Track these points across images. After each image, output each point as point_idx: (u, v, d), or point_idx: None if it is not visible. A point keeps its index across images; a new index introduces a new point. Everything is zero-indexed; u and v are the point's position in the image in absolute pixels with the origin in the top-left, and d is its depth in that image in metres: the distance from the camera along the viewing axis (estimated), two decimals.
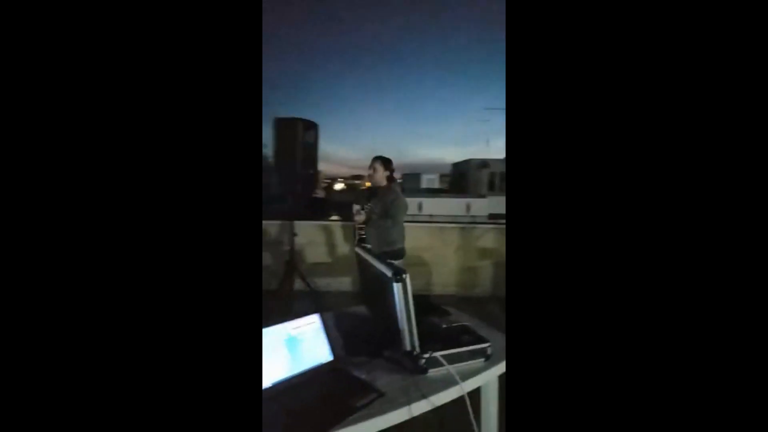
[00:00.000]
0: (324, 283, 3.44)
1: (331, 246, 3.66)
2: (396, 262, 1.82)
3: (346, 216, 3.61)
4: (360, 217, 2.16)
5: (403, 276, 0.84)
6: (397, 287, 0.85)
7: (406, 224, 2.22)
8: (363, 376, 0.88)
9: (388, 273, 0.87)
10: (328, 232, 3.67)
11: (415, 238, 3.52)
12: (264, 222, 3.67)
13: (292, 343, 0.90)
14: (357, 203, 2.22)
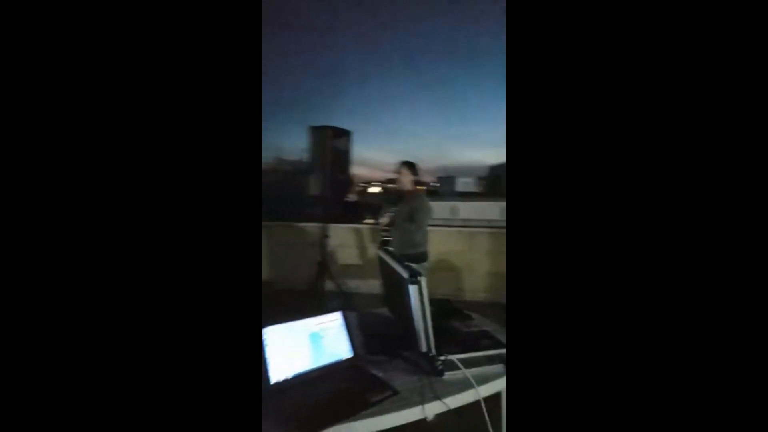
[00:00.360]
0: (354, 284, 3.51)
1: (361, 248, 3.74)
2: (419, 266, 1.82)
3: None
4: (384, 220, 2.21)
5: (419, 278, 0.86)
6: (412, 289, 0.87)
7: (436, 228, 2.22)
8: (380, 374, 0.91)
9: (405, 274, 0.90)
10: (359, 235, 3.75)
11: (444, 243, 3.49)
12: (299, 224, 3.83)
13: (315, 338, 0.96)
14: (388, 207, 2.27)
